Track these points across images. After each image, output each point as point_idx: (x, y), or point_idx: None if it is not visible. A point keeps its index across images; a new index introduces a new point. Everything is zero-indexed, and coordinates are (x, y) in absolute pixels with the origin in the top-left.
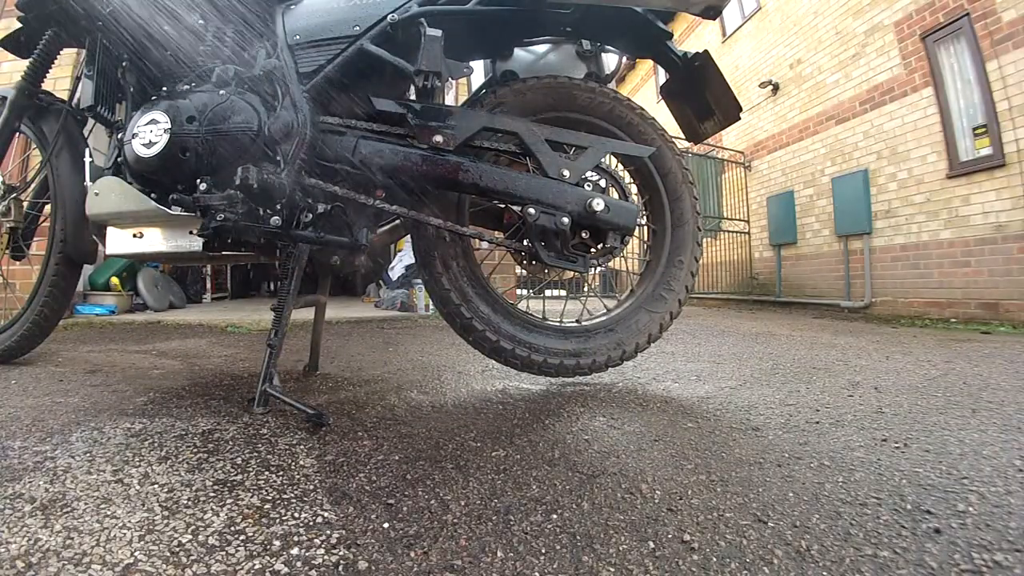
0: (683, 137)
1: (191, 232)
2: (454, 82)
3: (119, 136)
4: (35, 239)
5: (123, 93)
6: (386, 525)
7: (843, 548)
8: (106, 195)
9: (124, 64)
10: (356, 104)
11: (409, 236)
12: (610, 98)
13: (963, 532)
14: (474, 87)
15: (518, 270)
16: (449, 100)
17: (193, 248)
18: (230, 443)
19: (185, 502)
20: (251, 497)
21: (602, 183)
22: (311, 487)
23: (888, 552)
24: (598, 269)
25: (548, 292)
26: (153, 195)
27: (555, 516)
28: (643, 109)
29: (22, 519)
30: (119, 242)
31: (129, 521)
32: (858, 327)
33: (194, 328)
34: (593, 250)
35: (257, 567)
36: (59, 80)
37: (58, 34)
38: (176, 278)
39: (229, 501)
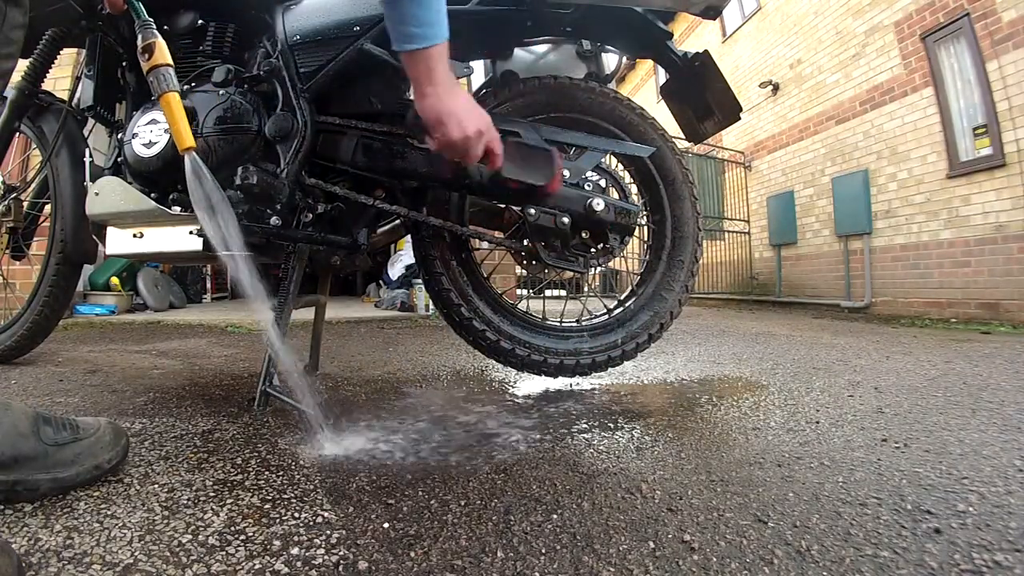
0: (683, 137)
1: (191, 232)
2: None
3: (119, 136)
4: (35, 239)
5: (123, 93)
6: (386, 525)
7: (843, 548)
8: (106, 195)
9: (124, 64)
10: (356, 104)
11: (409, 236)
12: (610, 98)
13: (963, 532)
14: (474, 87)
15: (518, 270)
16: None
17: (193, 248)
18: (230, 443)
19: (185, 502)
20: (251, 497)
21: (602, 183)
22: (311, 487)
23: (888, 552)
24: (598, 269)
25: (548, 292)
26: (153, 195)
27: (555, 516)
28: (643, 109)
29: (22, 519)
30: (119, 242)
31: (129, 521)
32: (858, 327)
33: (194, 328)
34: (593, 250)
35: (257, 567)
36: (59, 80)
37: (58, 34)
38: (176, 278)
39: (229, 501)
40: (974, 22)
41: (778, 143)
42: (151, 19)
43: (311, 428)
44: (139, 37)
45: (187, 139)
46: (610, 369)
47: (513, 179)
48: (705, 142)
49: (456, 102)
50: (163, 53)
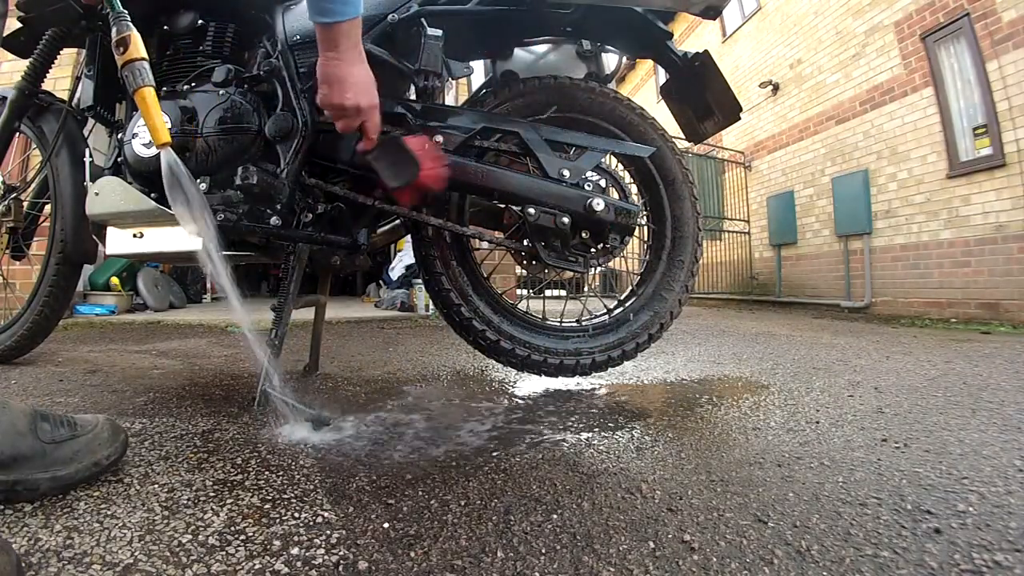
0: (683, 137)
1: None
2: (454, 82)
3: (119, 136)
4: (35, 239)
5: (123, 93)
6: (386, 525)
7: (843, 548)
8: (106, 195)
9: None
10: None
11: (409, 236)
12: (610, 98)
13: (963, 532)
14: (474, 87)
15: (518, 270)
16: (449, 100)
17: (193, 248)
18: (230, 443)
19: (185, 502)
20: (251, 497)
21: (602, 183)
22: (311, 487)
23: (888, 552)
24: (598, 269)
25: (548, 292)
26: (153, 195)
27: (555, 516)
28: (643, 109)
29: (22, 519)
30: (119, 242)
31: (129, 521)
32: (858, 327)
33: (194, 328)
34: (593, 250)
35: (257, 567)
36: (59, 80)
37: (58, 34)
38: (176, 278)
39: (229, 501)
40: (974, 22)
41: (778, 143)
42: (125, 11)
43: (309, 427)
44: (113, 30)
45: (163, 135)
46: (610, 369)
47: (375, 166)
48: (705, 142)
49: (349, 72)
50: (138, 47)
